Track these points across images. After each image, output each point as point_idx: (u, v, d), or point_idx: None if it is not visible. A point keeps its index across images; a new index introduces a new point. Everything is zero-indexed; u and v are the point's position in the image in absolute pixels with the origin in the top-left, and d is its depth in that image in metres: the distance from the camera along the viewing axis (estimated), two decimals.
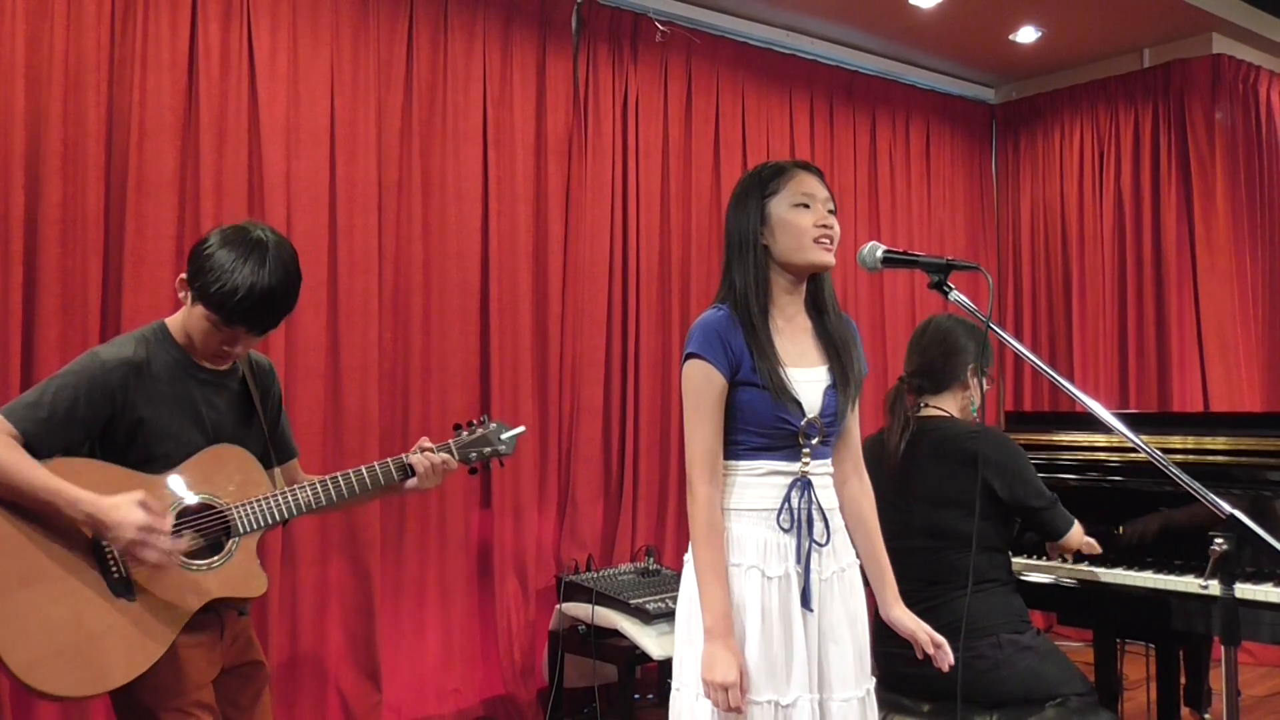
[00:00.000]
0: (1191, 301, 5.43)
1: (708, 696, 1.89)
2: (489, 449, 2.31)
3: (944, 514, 2.61)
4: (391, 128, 4.03)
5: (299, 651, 3.72)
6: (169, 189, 3.49)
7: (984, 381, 2.77)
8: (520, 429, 2.38)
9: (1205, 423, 3.76)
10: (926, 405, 2.77)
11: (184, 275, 2.03)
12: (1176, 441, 3.30)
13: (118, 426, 1.98)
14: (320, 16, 3.85)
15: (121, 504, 1.87)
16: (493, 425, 2.33)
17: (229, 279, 1.95)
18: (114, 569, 1.92)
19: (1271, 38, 5.57)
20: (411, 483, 2.22)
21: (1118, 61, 5.79)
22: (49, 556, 1.89)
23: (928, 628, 2.10)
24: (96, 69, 3.37)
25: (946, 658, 2.07)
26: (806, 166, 2.06)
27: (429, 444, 2.26)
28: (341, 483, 2.15)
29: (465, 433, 2.30)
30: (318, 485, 2.13)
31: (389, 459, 2.21)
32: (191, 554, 1.99)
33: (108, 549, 1.93)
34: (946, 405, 2.77)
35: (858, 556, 2.13)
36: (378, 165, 3.96)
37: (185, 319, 2.06)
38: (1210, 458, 3.20)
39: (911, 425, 2.72)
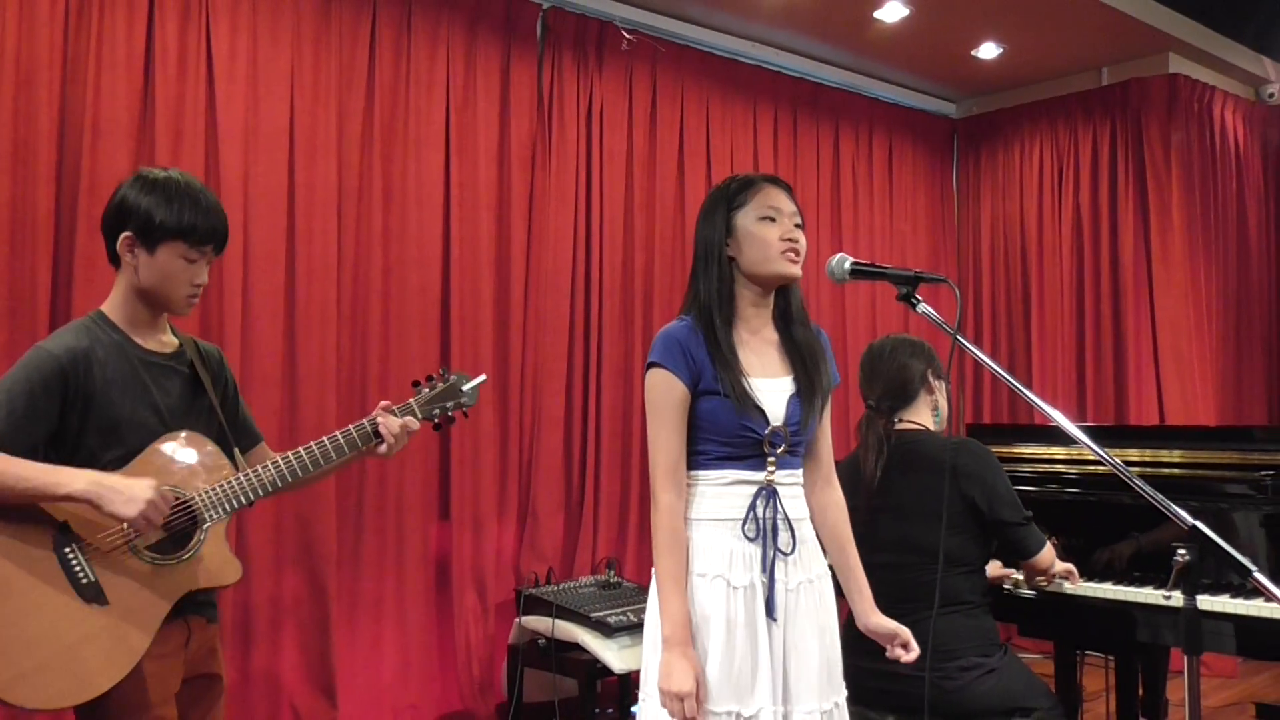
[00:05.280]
0: (1148, 316, 5.56)
1: (664, 706, 1.89)
2: (452, 403, 2.25)
3: (922, 528, 2.64)
4: (352, 132, 4.02)
5: (252, 667, 3.67)
6: None
7: (945, 385, 2.83)
8: (481, 378, 2.31)
9: (1161, 436, 3.85)
10: (900, 421, 2.81)
11: (128, 234, 1.99)
12: (1134, 454, 3.37)
13: (71, 415, 1.95)
14: (281, 17, 3.83)
15: (130, 478, 1.89)
16: (453, 377, 2.26)
17: (180, 206, 1.99)
18: (81, 576, 1.90)
19: (1226, 59, 5.73)
20: (381, 449, 2.16)
21: (1077, 79, 5.92)
22: (14, 572, 1.86)
23: (906, 629, 2.11)
24: (49, 67, 3.33)
25: (911, 656, 2.09)
26: (774, 181, 2.09)
27: (389, 404, 2.20)
28: (305, 456, 2.09)
29: (426, 389, 2.24)
30: (280, 461, 2.08)
31: (352, 426, 2.15)
32: (160, 548, 1.96)
33: (71, 556, 1.90)
34: (919, 418, 2.82)
35: (830, 568, 2.15)
36: (338, 170, 3.95)
37: (132, 288, 2.03)
38: (1166, 470, 3.28)
39: (888, 443, 2.76)
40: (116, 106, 3.45)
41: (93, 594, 1.90)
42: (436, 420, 2.25)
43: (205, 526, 2.01)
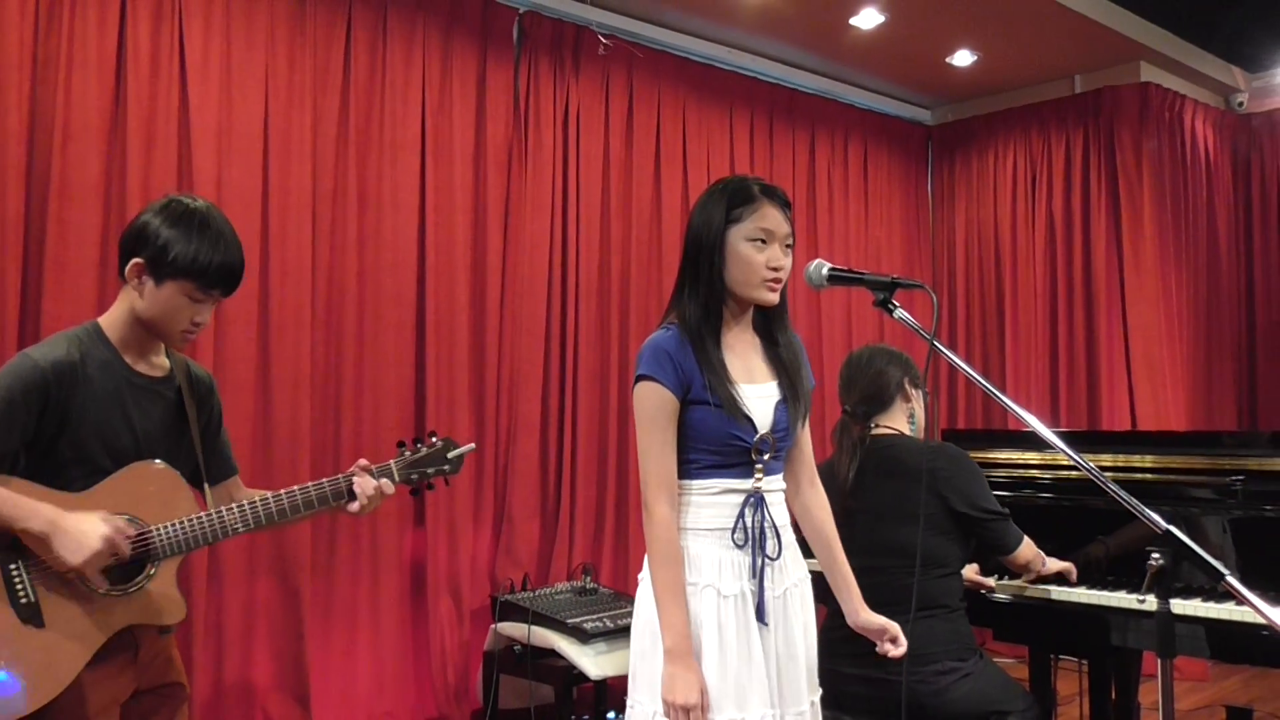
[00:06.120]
0: (1120, 322, 5.63)
1: (668, 717, 1.91)
2: (433, 469, 2.22)
3: (899, 531, 2.67)
4: (327, 135, 4.00)
5: (224, 675, 3.65)
6: (93, 194, 3.43)
7: (922, 393, 2.88)
8: (470, 446, 2.27)
9: (1133, 441, 3.90)
10: (876, 426, 2.86)
11: (139, 261, 1.98)
12: (1106, 459, 3.41)
13: (48, 426, 1.93)
14: (255, 19, 3.81)
15: (86, 517, 1.88)
16: (439, 443, 2.23)
17: (199, 245, 1.98)
18: (22, 595, 1.88)
19: (1197, 68, 5.81)
20: (353, 507, 2.14)
21: (1050, 87, 5.99)
22: None
23: (895, 625, 2.16)
24: (19, 68, 3.30)
25: (899, 651, 2.14)
26: (773, 196, 2.07)
27: (367, 464, 2.17)
28: (273, 505, 2.07)
29: (409, 452, 2.21)
30: (246, 507, 2.06)
31: (326, 481, 2.13)
32: (108, 576, 1.94)
33: (15, 573, 1.88)
34: (895, 423, 2.87)
35: (813, 569, 2.18)
36: (312, 173, 3.93)
37: (133, 311, 2.02)
38: (1138, 475, 3.32)
39: (863, 447, 2.80)
40: (88, 108, 3.42)
41: (30, 615, 1.88)
42: (414, 485, 2.21)
43: (157, 562, 1.99)
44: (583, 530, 4.63)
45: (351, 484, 2.13)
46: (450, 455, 2.23)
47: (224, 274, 2.02)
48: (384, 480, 2.16)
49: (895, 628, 2.15)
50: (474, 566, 4.32)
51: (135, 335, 2.05)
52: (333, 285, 4.01)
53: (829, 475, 2.81)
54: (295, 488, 2.11)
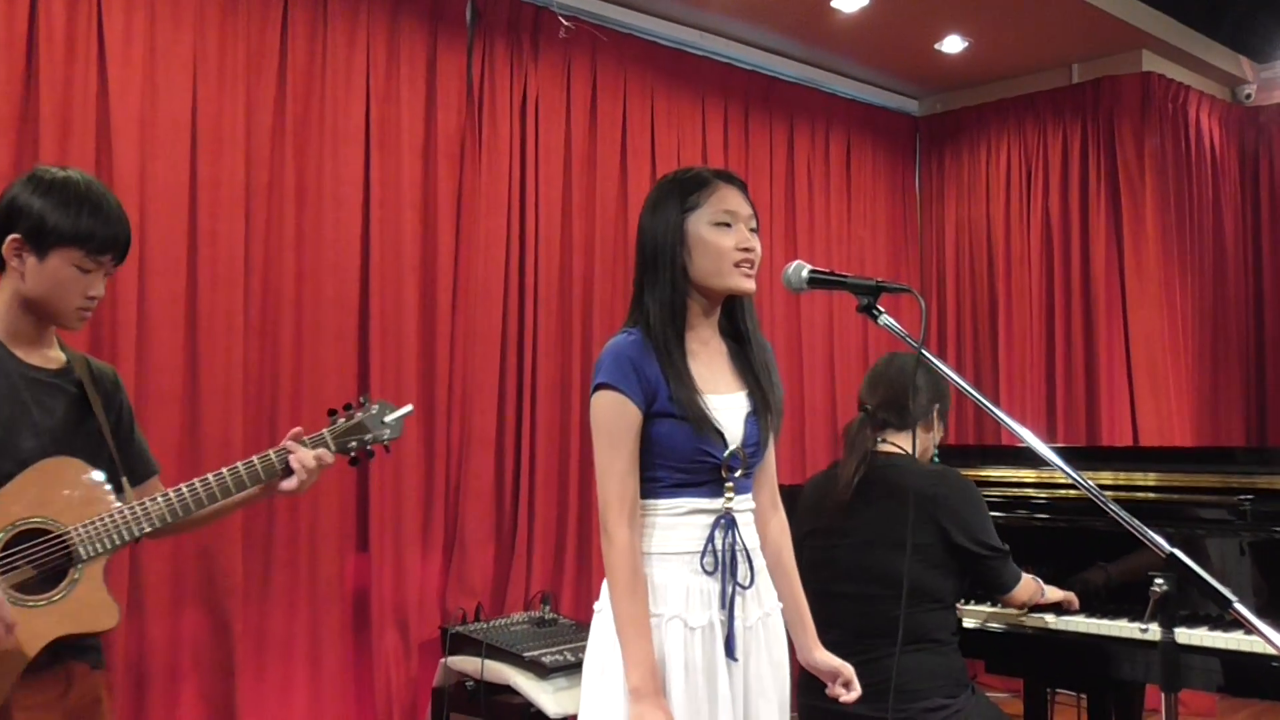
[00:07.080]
0: (1121, 329, 5.68)
1: None
2: (370, 435, 2.21)
3: (894, 558, 2.66)
4: (262, 124, 3.97)
5: (146, 717, 3.59)
6: (1, 187, 3.37)
7: (943, 426, 2.94)
8: (407, 408, 2.27)
9: (1135, 457, 3.94)
10: (885, 441, 2.86)
11: (15, 236, 1.97)
12: (1107, 477, 3.44)
13: None
14: None
15: None
16: (374, 407, 2.22)
17: (79, 209, 1.97)
18: None
19: (1202, 57, 5.88)
20: (289, 484, 2.12)
21: (1046, 76, 6.04)
22: None
23: (849, 667, 2.16)
24: None
25: (851, 696, 2.14)
26: (729, 178, 2.09)
27: (300, 431, 2.17)
28: (200, 489, 2.06)
29: (342, 418, 2.21)
30: (171, 494, 2.04)
31: (256, 458, 2.11)
32: (27, 588, 1.91)
33: None
34: (906, 443, 2.86)
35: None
36: (245, 166, 3.90)
37: (17, 295, 2.00)
38: (1140, 494, 3.35)
39: (868, 460, 2.80)
40: None
41: None
42: (353, 454, 2.21)
43: (80, 565, 1.96)
44: (541, 556, 4.61)
45: (286, 459, 2.11)
46: (388, 419, 2.22)
47: (112, 237, 2.01)
48: (321, 450, 2.14)
49: (849, 670, 2.15)
50: (422, 595, 4.29)
51: (23, 325, 2.03)
52: (268, 288, 3.97)
53: (828, 482, 2.82)
54: (224, 468, 2.09)
